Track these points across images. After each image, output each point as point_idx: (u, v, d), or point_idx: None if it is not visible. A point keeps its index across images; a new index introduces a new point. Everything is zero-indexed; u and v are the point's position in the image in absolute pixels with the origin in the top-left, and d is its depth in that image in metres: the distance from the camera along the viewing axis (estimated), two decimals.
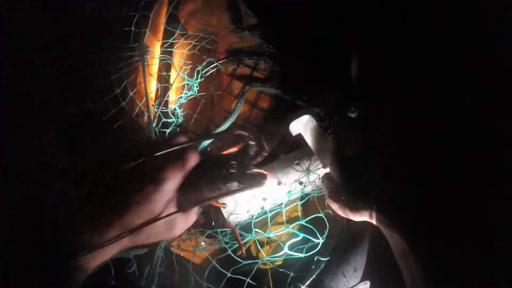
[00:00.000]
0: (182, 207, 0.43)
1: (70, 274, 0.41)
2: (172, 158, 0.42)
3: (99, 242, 0.38)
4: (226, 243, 0.61)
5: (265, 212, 0.62)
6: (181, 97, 0.70)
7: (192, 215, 0.46)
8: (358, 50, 0.63)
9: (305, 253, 0.57)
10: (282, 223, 0.62)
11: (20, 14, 0.64)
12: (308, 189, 0.62)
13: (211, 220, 0.60)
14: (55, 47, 0.64)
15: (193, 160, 0.44)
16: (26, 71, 0.62)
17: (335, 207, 0.51)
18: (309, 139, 0.55)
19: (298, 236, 0.59)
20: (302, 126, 0.54)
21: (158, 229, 0.41)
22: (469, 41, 0.64)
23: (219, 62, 0.71)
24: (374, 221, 0.48)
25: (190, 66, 0.72)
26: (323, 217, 0.58)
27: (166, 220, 0.41)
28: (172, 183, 0.41)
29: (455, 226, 0.53)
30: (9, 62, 0.60)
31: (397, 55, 0.66)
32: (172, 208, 0.42)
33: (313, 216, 0.58)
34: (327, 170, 0.56)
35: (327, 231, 0.57)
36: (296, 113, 0.54)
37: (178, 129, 0.68)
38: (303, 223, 0.59)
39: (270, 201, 0.61)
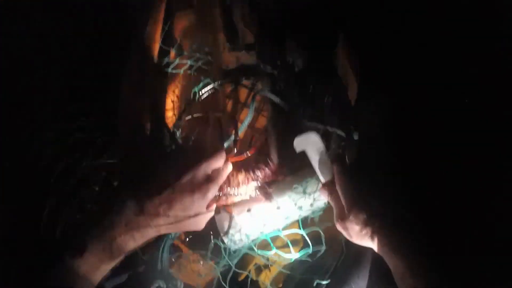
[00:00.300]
0: (208, 206, 0.54)
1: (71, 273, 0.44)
2: (216, 171, 0.54)
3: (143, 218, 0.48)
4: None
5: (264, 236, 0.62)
6: (179, 119, 0.68)
7: (211, 213, 0.55)
8: (356, 71, 0.63)
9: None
10: (281, 247, 0.63)
11: (20, 14, 0.64)
12: (307, 212, 0.62)
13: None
14: (55, 47, 0.64)
15: (228, 171, 0.56)
16: (26, 71, 0.62)
17: (342, 229, 0.52)
18: (312, 157, 0.56)
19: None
20: (307, 143, 0.55)
21: (191, 221, 0.52)
22: (469, 41, 0.64)
23: (216, 83, 0.68)
24: (376, 246, 0.48)
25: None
26: (321, 231, 0.59)
27: (200, 217, 0.53)
28: (213, 192, 0.52)
29: (453, 239, 0.53)
30: (9, 62, 0.61)
31: (397, 61, 0.66)
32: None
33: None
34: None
35: (323, 248, 0.59)
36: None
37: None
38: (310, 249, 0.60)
39: (269, 226, 0.62)
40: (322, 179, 0.56)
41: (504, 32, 0.63)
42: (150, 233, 0.49)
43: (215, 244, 0.62)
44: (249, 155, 0.62)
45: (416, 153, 0.60)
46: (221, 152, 0.55)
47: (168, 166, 0.53)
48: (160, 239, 0.63)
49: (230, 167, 0.56)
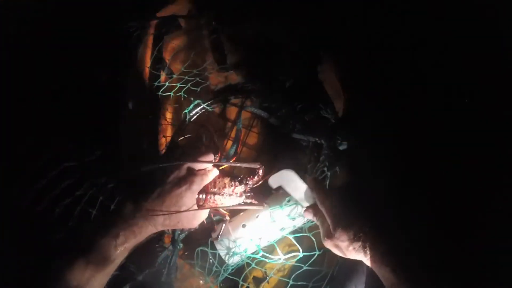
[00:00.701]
0: (199, 205, 0.60)
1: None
2: (203, 171, 0.60)
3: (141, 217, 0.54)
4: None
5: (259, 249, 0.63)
6: (172, 142, 0.70)
7: (205, 213, 0.60)
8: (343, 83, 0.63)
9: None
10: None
11: (20, 14, 0.68)
12: (301, 222, 0.63)
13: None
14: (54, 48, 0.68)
15: (214, 174, 0.61)
16: (25, 70, 0.66)
17: (331, 246, 0.52)
18: (290, 191, 0.58)
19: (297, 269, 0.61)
20: (282, 180, 0.58)
21: (183, 218, 0.57)
22: (469, 41, 0.62)
23: (207, 103, 0.70)
24: (367, 260, 0.48)
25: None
26: (311, 237, 0.60)
27: (189, 213, 0.57)
28: (198, 185, 0.57)
29: (444, 255, 0.51)
30: (9, 62, 0.65)
31: (393, 60, 0.65)
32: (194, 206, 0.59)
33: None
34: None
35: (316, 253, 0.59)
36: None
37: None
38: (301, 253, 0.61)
39: (265, 239, 0.63)
40: (304, 205, 0.58)
41: (504, 32, 0.61)
42: (149, 229, 0.55)
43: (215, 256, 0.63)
44: (230, 162, 0.64)
45: (407, 160, 0.60)
46: (207, 153, 0.60)
47: (159, 169, 0.58)
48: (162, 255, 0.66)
49: (216, 171, 0.61)
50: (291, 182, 0.57)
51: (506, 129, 0.59)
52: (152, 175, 0.58)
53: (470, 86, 0.63)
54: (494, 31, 0.62)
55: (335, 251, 0.52)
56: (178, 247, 0.67)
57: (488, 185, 0.57)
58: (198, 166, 0.59)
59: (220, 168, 0.63)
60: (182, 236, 0.67)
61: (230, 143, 0.70)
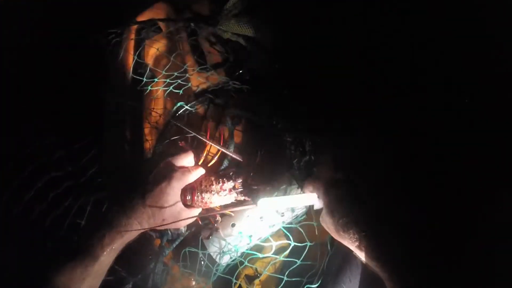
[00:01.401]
0: (187, 204, 0.59)
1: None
2: (184, 168, 0.59)
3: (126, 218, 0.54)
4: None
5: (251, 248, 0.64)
6: (157, 143, 0.70)
7: (193, 214, 0.60)
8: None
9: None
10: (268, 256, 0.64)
11: (20, 14, 0.70)
12: (290, 218, 0.63)
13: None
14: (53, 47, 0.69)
15: (199, 173, 0.60)
16: (25, 70, 0.67)
17: (327, 227, 0.52)
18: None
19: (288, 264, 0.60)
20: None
21: (168, 215, 0.56)
22: (469, 41, 0.62)
23: (189, 105, 0.70)
24: (361, 253, 0.47)
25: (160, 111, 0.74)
26: (300, 229, 0.59)
27: (174, 212, 0.57)
28: (178, 181, 0.57)
29: (439, 258, 0.50)
30: (9, 62, 0.66)
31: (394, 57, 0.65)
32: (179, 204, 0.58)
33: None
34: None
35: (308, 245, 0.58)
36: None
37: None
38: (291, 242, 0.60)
39: (255, 237, 0.63)
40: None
41: (504, 32, 0.61)
42: (134, 229, 0.55)
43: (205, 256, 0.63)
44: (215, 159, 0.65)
45: (407, 161, 0.59)
46: (187, 152, 0.61)
47: (142, 171, 0.59)
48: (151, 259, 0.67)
49: (201, 170, 0.61)
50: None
51: (506, 129, 0.58)
52: (135, 176, 0.59)
53: (470, 86, 0.62)
54: (494, 31, 0.62)
55: (331, 232, 0.51)
56: (165, 253, 0.66)
57: (488, 185, 0.56)
58: (177, 163, 0.59)
59: (208, 165, 0.63)
60: (177, 242, 0.66)
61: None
